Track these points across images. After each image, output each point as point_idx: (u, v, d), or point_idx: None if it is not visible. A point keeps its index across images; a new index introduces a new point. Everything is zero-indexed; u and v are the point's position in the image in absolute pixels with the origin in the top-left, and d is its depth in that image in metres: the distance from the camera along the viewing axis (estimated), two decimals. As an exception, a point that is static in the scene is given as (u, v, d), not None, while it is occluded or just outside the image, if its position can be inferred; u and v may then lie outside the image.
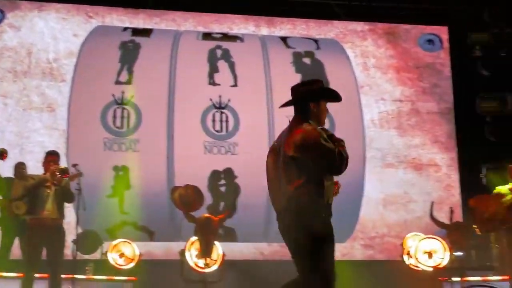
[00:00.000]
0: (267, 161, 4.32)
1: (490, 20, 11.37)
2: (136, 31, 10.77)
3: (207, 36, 11.02)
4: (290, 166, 4.04)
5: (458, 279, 7.69)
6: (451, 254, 8.18)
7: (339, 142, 4.07)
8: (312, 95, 4.17)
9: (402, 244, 9.12)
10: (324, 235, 3.98)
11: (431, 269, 8.16)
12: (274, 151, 4.24)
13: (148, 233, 9.88)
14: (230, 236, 10.01)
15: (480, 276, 8.10)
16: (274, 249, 10.26)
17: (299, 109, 4.18)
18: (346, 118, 10.83)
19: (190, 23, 11.03)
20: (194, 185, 8.25)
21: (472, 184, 10.65)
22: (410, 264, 8.44)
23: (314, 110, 4.15)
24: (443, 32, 11.63)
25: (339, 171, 4.00)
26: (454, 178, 10.98)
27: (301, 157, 3.98)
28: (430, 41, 11.55)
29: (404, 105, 11.21)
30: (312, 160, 3.97)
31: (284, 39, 11.16)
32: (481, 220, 8.09)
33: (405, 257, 8.70)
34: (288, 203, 4.01)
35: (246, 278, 9.27)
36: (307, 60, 11.11)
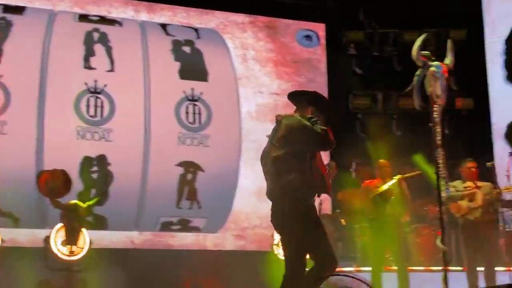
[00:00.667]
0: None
1: (364, 20, 11.77)
2: (8, 8, 10.26)
3: (83, 18, 10.68)
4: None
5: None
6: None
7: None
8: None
9: (272, 235, 9.25)
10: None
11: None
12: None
13: (12, 219, 9.47)
14: (100, 224, 9.79)
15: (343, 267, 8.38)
16: (145, 237, 10.16)
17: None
18: (223, 109, 10.87)
19: (66, 3, 10.64)
20: (62, 169, 7.99)
21: (342, 178, 10.98)
22: (279, 254, 8.58)
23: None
24: (320, 29, 11.90)
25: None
26: (326, 171, 11.26)
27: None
28: (308, 37, 11.79)
29: (281, 98, 11.36)
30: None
31: (164, 26, 11.03)
32: (347, 212, 8.35)
33: (275, 248, 8.83)
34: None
35: (115, 267, 9.09)
36: (186, 49, 11.03)
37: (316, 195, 4.51)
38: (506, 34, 12.61)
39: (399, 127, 11.63)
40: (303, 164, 4.49)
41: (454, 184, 8.17)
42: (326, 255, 4.41)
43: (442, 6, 11.36)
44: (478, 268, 7.97)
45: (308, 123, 4.55)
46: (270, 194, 4.67)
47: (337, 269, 4.37)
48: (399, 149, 10.69)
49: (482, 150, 10.82)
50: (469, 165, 8.25)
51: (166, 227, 10.29)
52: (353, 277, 4.79)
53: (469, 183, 8.15)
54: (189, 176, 10.44)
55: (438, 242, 4.40)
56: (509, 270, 8.52)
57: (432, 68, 4.57)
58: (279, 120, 4.59)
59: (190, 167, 10.45)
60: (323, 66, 11.72)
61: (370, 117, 11.58)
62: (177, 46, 10.94)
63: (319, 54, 11.81)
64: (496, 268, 8.19)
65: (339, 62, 11.67)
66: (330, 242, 4.57)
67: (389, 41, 11.79)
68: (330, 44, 11.80)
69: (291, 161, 4.48)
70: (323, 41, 11.85)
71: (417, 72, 4.65)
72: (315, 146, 4.57)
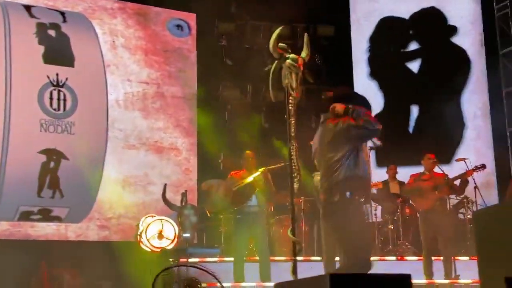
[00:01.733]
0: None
1: (236, 12, 11.81)
2: None
3: None
4: None
5: (184, 259, 7.86)
6: (180, 236, 8.36)
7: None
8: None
9: (137, 225, 9.12)
10: None
11: (159, 250, 8.26)
12: None
13: None
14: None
15: (199, 258, 8.40)
16: (2, 227, 9.74)
17: None
18: (89, 96, 10.57)
19: None
20: None
21: (210, 169, 11.01)
22: (142, 244, 8.47)
23: None
24: (191, 19, 11.82)
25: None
26: (192, 162, 11.24)
27: None
28: (179, 26, 11.68)
29: (150, 87, 11.21)
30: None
31: (28, 7, 10.54)
32: (211, 203, 8.36)
33: (138, 238, 8.71)
34: None
35: None
36: (52, 32, 10.60)
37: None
38: (370, 32, 13.10)
39: (268, 119, 11.78)
40: None
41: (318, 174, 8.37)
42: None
43: (313, 2, 11.60)
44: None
45: None
46: None
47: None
48: (267, 141, 10.87)
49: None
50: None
51: (25, 216, 9.89)
52: (199, 268, 4.78)
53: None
54: (52, 164, 10.08)
55: (289, 233, 4.46)
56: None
57: (288, 61, 4.61)
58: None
59: (53, 155, 10.09)
60: (193, 56, 11.66)
61: (239, 108, 11.65)
62: (41, 29, 10.50)
63: (190, 44, 11.73)
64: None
65: (210, 53, 11.64)
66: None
67: (260, 34, 11.89)
68: (201, 35, 11.75)
69: None
70: (194, 31, 11.77)
71: (274, 64, 4.68)
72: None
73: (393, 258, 9.57)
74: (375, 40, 13.02)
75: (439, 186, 8.75)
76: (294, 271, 4.33)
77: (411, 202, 10.34)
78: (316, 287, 2.69)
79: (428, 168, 8.99)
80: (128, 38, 11.23)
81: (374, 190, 10.31)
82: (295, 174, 4.49)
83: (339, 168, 4.89)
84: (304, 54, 4.72)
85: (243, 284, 8.08)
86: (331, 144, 4.99)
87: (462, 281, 8.46)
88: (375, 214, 10.54)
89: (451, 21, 13.11)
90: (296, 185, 4.47)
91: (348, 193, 4.87)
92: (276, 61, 4.64)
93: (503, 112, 13.12)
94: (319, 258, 8.82)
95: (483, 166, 9.12)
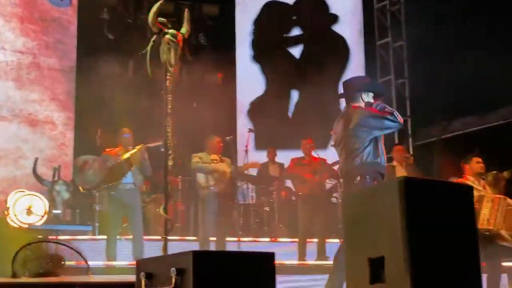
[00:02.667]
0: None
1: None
2: None
3: None
4: None
5: (54, 237, 7.63)
6: (50, 212, 8.10)
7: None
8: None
9: (6, 200, 8.74)
10: None
11: (27, 226, 7.97)
12: None
13: None
14: None
15: (70, 235, 8.20)
16: None
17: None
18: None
19: None
20: None
21: (87, 145, 10.70)
22: (10, 220, 8.13)
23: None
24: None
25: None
26: (69, 137, 10.90)
27: None
28: (59, -5, 11.25)
29: (25, 57, 10.74)
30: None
31: None
32: (85, 179, 8.13)
33: (6, 213, 8.36)
34: None
35: None
36: None
37: None
38: (255, 15, 13.17)
39: (148, 96, 11.59)
40: None
41: (199, 155, 8.34)
42: None
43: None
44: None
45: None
46: None
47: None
48: (146, 118, 10.69)
49: (226, 126, 11.19)
50: (217, 140, 8.48)
51: None
52: (62, 244, 4.64)
53: (214, 156, 8.37)
54: None
55: (161, 210, 4.41)
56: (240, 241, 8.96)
57: (167, 36, 4.53)
58: None
59: None
60: (73, 27, 11.26)
61: (119, 84, 11.38)
62: None
63: (70, 15, 11.31)
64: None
65: (90, 26, 11.28)
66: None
67: (143, 9, 11.66)
68: (83, 6, 11.35)
69: None
70: (75, 1, 11.37)
71: (153, 39, 4.59)
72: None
73: (267, 239, 9.72)
74: (259, 23, 13.10)
75: (319, 171, 8.95)
76: (165, 249, 4.29)
77: (287, 185, 10.53)
78: (179, 263, 2.66)
79: (306, 153, 9.17)
80: (3, 4, 10.68)
81: (253, 171, 10.41)
82: (170, 152, 4.43)
83: (360, 154, 5.23)
84: (184, 30, 4.65)
85: (115, 262, 7.93)
86: (352, 131, 5.26)
87: (330, 262, 8.71)
88: (252, 196, 10.64)
89: (333, 10, 13.42)
90: (170, 163, 4.41)
91: (367, 177, 5.19)
92: (154, 36, 4.54)
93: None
94: (194, 238, 8.82)
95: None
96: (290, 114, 13.06)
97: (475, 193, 6.91)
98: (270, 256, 2.84)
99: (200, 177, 8.39)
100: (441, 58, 13.30)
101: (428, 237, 2.74)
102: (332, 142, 5.92)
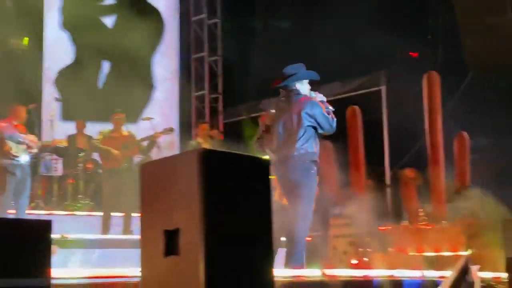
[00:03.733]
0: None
1: None
2: None
3: None
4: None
5: None
6: None
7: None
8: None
9: None
10: None
11: None
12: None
13: None
14: None
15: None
16: None
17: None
18: None
19: None
20: None
21: None
22: None
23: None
24: None
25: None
26: None
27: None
28: None
29: None
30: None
31: None
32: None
33: None
34: None
35: None
36: None
37: None
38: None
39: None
40: None
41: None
42: None
43: None
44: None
45: None
46: None
47: None
48: None
49: (30, 93, 10.62)
50: (20, 108, 8.07)
51: None
52: None
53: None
54: None
55: None
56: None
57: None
58: None
59: None
60: None
61: None
62: None
63: None
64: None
65: None
66: None
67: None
68: None
69: None
70: None
71: None
72: None
73: (67, 212, 9.42)
74: (69, -12, 12.50)
75: (128, 145, 8.78)
76: None
77: (94, 157, 10.24)
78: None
79: (116, 126, 8.95)
80: None
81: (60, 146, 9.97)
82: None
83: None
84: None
85: None
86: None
87: (135, 236, 8.62)
88: (55, 168, 10.18)
89: (149, -19, 13.21)
90: None
91: None
92: None
93: (190, 77, 13.67)
94: None
95: (171, 129, 9.37)
96: (100, 85, 12.68)
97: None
98: (47, 223, 2.71)
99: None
100: (254, 38, 13.63)
101: (224, 209, 2.74)
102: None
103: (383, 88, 11.75)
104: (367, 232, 7.97)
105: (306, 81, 5.75)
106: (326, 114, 5.58)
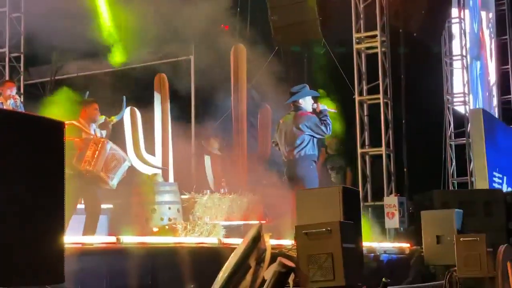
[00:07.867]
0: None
1: None
2: None
3: None
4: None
5: None
6: None
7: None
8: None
9: None
10: None
11: None
12: None
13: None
14: None
15: None
16: None
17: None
18: None
19: None
20: None
21: None
22: None
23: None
24: None
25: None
26: None
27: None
28: None
29: None
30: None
31: None
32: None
33: None
34: None
35: None
36: None
37: None
38: None
39: None
40: None
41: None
42: None
43: None
44: None
45: None
46: None
47: None
48: None
49: None
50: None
51: None
52: None
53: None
54: None
55: None
56: None
57: None
58: None
59: None
60: None
61: None
62: None
63: None
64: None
65: None
66: None
67: None
68: None
69: None
70: None
71: None
72: None
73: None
74: None
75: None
76: None
77: None
78: None
79: None
80: None
81: None
82: None
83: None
84: None
85: None
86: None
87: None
88: None
89: None
90: None
91: None
92: None
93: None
94: None
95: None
96: None
97: (83, 136, 7.05)
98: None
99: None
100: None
101: (15, 170, 2.57)
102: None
103: (192, 58, 11.80)
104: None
105: (308, 98, 7.38)
106: (319, 125, 7.18)
